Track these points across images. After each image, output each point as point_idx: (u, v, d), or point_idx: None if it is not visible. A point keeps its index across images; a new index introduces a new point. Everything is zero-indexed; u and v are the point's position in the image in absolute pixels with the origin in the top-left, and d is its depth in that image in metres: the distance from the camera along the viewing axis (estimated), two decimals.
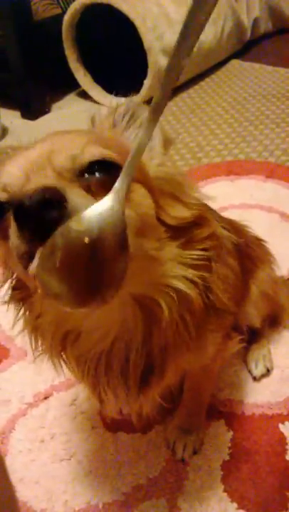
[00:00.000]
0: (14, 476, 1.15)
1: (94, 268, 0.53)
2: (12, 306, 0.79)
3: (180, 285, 0.69)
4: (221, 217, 0.98)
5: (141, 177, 0.64)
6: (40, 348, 0.81)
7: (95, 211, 0.53)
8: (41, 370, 1.35)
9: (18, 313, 0.79)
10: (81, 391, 1.30)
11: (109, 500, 1.09)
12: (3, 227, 0.60)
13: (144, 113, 0.70)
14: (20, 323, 0.80)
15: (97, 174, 0.60)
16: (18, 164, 0.61)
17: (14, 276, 0.75)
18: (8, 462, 1.18)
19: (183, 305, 0.72)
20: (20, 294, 0.76)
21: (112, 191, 0.55)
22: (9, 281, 0.76)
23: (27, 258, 0.54)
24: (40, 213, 0.51)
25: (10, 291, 0.77)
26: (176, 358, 0.79)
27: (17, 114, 2.84)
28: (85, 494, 1.11)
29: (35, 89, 2.78)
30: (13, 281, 0.76)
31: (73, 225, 0.51)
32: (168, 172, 0.70)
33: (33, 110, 2.80)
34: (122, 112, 0.74)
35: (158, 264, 0.67)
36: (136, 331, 0.73)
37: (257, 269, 1.19)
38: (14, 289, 0.76)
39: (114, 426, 1.22)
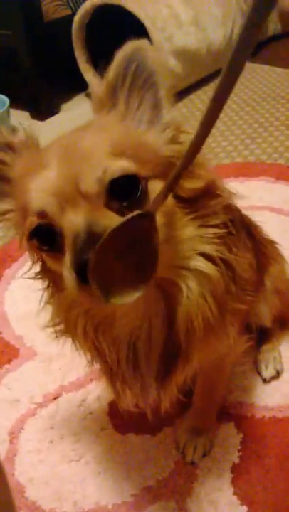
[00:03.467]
0: (23, 476, 1.15)
1: (135, 255, 0.59)
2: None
3: (199, 264, 0.72)
4: (239, 210, 1.00)
5: (157, 169, 0.67)
6: (71, 339, 0.85)
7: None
8: (51, 370, 1.36)
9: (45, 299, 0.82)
10: (90, 392, 1.30)
11: (118, 501, 1.09)
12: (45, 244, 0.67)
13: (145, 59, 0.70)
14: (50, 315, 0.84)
15: (121, 181, 0.63)
16: (47, 189, 0.64)
17: (38, 268, 0.80)
18: (17, 462, 1.18)
19: (204, 286, 0.73)
20: (48, 287, 0.81)
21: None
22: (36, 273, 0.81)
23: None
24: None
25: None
26: (201, 342, 0.80)
27: (26, 114, 2.85)
28: (94, 495, 1.11)
29: (45, 90, 2.78)
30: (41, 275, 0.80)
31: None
32: (174, 149, 0.71)
33: (42, 111, 2.80)
34: (115, 74, 0.72)
35: (177, 244, 0.70)
36: (158, 314, 0.76)
37: (270, 266, 1.19)
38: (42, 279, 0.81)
39: (123, 427, 1.21)
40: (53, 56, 2.71)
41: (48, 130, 2.72)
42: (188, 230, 0.71)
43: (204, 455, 1.14)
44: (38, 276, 0.80)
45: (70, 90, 3.02)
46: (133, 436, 1.20)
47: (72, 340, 0.85)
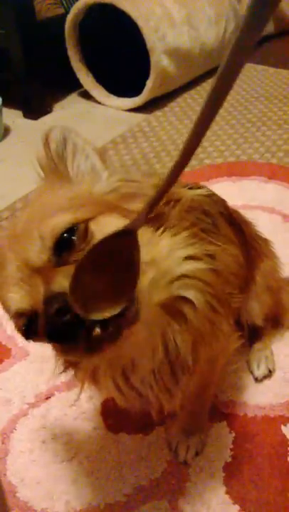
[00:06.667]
0: (15, 477, 1.14)
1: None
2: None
3: (188, 267, 0.72)
4: (226, 205, 1.05)
5: (96, 208, 0.70)
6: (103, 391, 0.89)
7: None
8: (43, 370, 1.35)
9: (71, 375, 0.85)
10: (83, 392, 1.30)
11: (111, 501, 1.09)
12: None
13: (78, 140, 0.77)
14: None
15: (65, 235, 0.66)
16: (11, 287, 0.67)
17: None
18: (9, 462, 1.17)
19: (206, 294, 0.74)
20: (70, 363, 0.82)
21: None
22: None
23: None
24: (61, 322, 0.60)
25: (63, 365, 0.84)
26: (204, 349, 0.81)
27: (19, 113, 2.83)
28: (86, 495, 1.10)
29: (38, 89, 2.77)
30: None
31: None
32: (118, 179, 0.75)
33: (35, 110, 2.80)
34: (55, 144, 0.77)
35: (161, 261, 0.70)
36: (176, 334, 0.76)
37: (261, 261, 1.20)
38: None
39: (115, 427, 1.21)
40: (45, 55, 2.70)
41: (41, 129, 2.70)
42: (164, 244, 0.72)
43: (197, 454, 1.14)
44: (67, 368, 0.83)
45: (62, 89, 3.02)
46: (125, 436, 1.19)
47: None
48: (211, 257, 0.77)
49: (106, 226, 0.67)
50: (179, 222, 0.75)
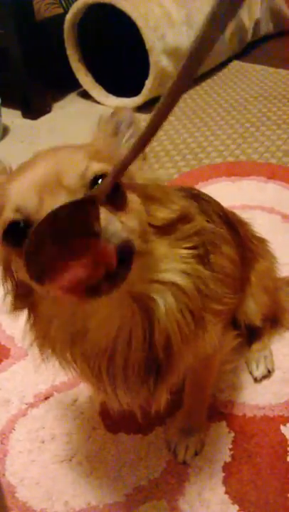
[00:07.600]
0: (14, 477, 1.14)
1: None
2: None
3: (175, 278, 0.73)
4: (221, 206, 1.04)
5: (133, 185, 0.69)
6: (48, 353, 0.83)
7: None
8: (42, 370, 1.35)
9: (27, 324, 0.81)
10: (82, 392, 1.30)
11: (110, 501, 1.09)
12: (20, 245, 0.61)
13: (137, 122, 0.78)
14: (29, 334, 0.83)
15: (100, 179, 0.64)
16: (27, 184, 0.63)
17: (15, 284, 0.77)
18: (8, 463, 1.17)
19: (180, 301, 0.74)
20: (26, 301, 0.77)
21: None
22: (12, 291, 0.78)
23: None
24: None
25: (13, 301, 0.79)
26: (182, 352, 0.80)
27: (18, 113, 2.83)
28: (85, 495, 1.10)
29: (37, 89, 2.77)
30: (17, 289, 0.77)
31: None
32: (149, 178, 0.75)
33: (34, 110, 2.79)
34: (122, 119, 0.78)
35: (152, 260, 0.71)
36: (136, 328, 0.75)
37: (257, 262, 1.20)
38: (19, 296, 0.77)
39: (114, 427, 1.21)
40: (44, 55, 2.70)
41: (40, 129, 2.71)
42: (163, 249, 0.73)
43: (196, 454, 1.14)
44: (16, 305, 0.79)
45: (62, 89, 3.02)
46: (125, 436, 1.19)
47: (52, 353, 0.84)
48: (201, 278, 0.77)
49: (138, 204, 0.69)
50: (184, 239, 0.75)
